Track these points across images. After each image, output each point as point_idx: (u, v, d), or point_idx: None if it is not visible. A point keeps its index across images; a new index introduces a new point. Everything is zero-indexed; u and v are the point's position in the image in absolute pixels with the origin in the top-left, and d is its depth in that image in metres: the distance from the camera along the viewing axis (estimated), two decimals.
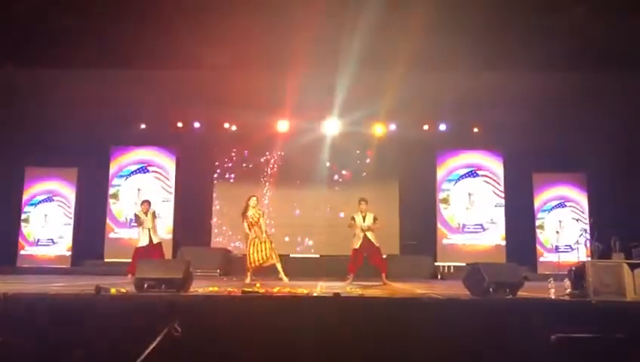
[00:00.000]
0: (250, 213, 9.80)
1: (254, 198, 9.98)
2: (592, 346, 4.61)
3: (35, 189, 13.89)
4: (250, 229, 9.75)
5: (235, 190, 14.04)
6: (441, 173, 13.94)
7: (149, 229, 9.84)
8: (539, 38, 9.40)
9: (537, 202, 13.63)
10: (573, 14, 8.85)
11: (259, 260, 9.57)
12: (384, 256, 10.12)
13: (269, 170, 14.06)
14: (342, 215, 13.19)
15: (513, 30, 9.28)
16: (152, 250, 9.74)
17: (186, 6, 8.93)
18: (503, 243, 13.49)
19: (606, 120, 11.87)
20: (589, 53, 9.85)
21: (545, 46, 9.58)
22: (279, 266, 9.67)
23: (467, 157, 13.98)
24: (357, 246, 9.70)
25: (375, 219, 9.75)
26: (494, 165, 13.87)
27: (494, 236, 13.59)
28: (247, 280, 9.36)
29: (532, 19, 9.08)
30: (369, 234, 9.58)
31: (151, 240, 9.82)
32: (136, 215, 10.16)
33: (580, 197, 13.58)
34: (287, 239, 13.59)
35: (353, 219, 9.80)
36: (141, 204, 10.26)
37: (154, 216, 10.08)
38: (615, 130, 12.09)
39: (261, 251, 9.60)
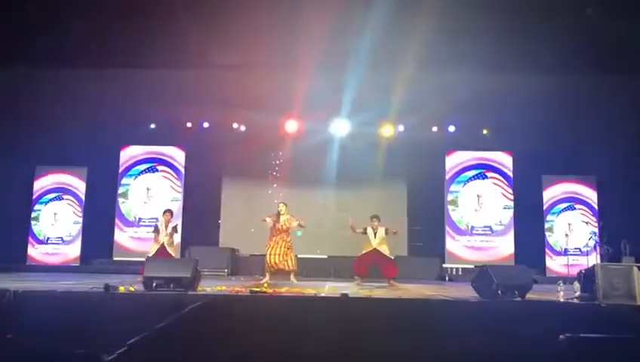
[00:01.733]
0: (282, 219, 9.80)
1: (282, 205, 9.95)
2: (601, 346, 4.58)
3: (45, 188, 13.97)
4: (274, 233, 9.75)
5: (243, 190, 14.06)
6: (449, 174, 13.88)
7: (163, 243, 9.29)
8: (550, 40, 9.36)
9: (546, 204, 13.55)
10: (585, 16, 8.80)
11: (276, 264, 9.56)
12: (393, 258, 10.13)
13: (277, 170, 14.05)
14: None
15: (524, 32, 9.23)
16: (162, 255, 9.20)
17: (196, 6, 8.96)
18: (512, 245, 13.42)
19: (616, 122, 11.78)
20: (601, 56, 9.79)
21: (556, 48, 9.54)
22: (292, 276, 9.63)
23: (476, 158, 13.90)
24: (364, 251, 9.78)
25: (387, 231, 9.85)
26: (503, 167, 13.80)
27: (503, 238, 13.52)
28: (266, 279, 9.39)
29: (544, 21, 9.03)
30: (380, 249, 9.68)
31: (164, 249, 9.27)
32: (156, 226, 9.67)
33: (589, 200, 13.48)
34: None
35: (365, 231, 9.87)
36: (163, 213, 9.67)
37: (174, 231, 9.50)
38: (625, 132, 12.00)
39: (278, 255, 9.60)
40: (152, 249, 9.51)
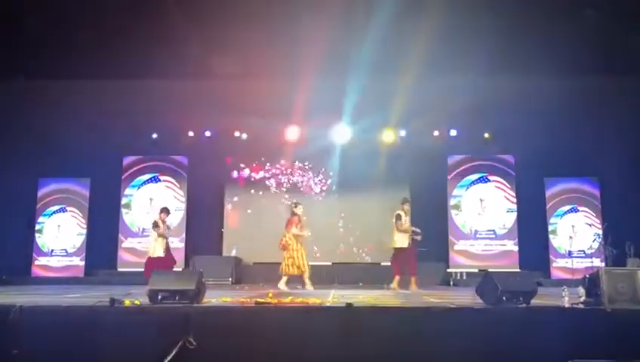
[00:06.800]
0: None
1: (301, 206, 10.11)
2: None
3: (48, 200, 14.01)
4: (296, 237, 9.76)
5: (246, 198, 14.08)
6: (452, 179, 13.89)
7: (166, 240, 9.61)
8: (551, 43, 9.38)
9: (549, 207, 13.53)
10: (585, 19, 8.82)
11: (295, 269, 9.59)
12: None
13: (280, 178, 14.06)
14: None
15: (525, 35, 9.27)
16: (167, 261, 9.57)
17: (197, 16, 9.01)
18: (516, 248, 13.41)
19: (618, 124, 11.79)
20: (602, 58, 9.81)
21: (556, 51, 9.56)
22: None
23: (478, 162, 13.91)
24: (405, 244, 9.44)
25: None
26: (506, 170, 13.80)
27: (507, 242, 13.51)
28: (282, 286, 9.43)
29: (544, 24, 9.06)
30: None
31: (168, 249, 9.61)
32: (155, 222, 9.99)
33: (592, 202, 13.46)
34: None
35: (400, 217, 9.49)
36: (160, 212, 10.01)
37: (168, 227, 9.97)
38: (628, 133, 12.01)
39: (298, 259, 9.62)
40: (154, 249, 9.67)
